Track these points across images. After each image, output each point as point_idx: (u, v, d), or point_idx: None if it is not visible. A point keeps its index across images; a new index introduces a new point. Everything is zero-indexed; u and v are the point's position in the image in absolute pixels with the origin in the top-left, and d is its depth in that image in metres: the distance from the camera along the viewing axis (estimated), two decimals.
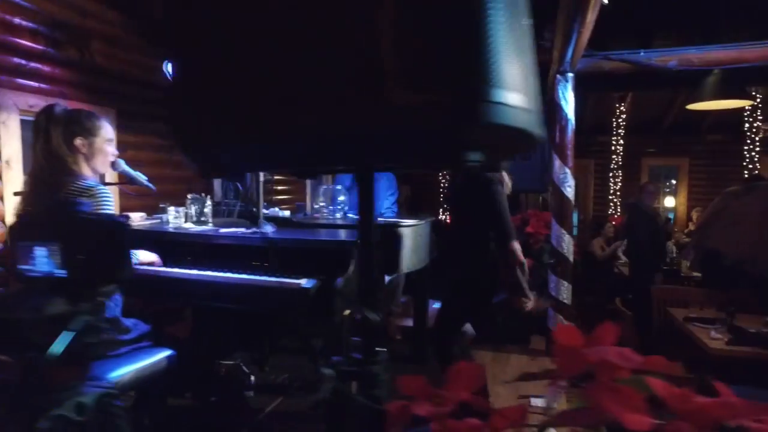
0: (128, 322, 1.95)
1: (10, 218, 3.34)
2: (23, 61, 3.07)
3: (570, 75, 3.59)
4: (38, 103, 3.16)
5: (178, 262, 2.29)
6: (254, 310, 2.38)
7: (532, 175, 4.97)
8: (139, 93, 3.85)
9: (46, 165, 1.84)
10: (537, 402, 3.01)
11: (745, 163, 7.06)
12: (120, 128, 3.74)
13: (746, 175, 7.10)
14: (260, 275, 2.10)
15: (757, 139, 6.87)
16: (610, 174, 7.90)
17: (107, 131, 1.99)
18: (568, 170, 3.67)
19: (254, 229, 2.44)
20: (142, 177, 2.23)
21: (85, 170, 1.92)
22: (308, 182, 6.43)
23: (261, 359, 3.19)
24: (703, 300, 4.01)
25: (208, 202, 2.88)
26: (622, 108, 7.51)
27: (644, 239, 4.95)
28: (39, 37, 3.15)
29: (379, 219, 3.34)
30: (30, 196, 1.87)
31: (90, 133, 1.92)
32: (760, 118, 6.79)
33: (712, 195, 7.01)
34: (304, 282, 2.02)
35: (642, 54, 3.43)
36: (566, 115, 3.66)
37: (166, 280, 2.19)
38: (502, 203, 2.65)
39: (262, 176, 3.10)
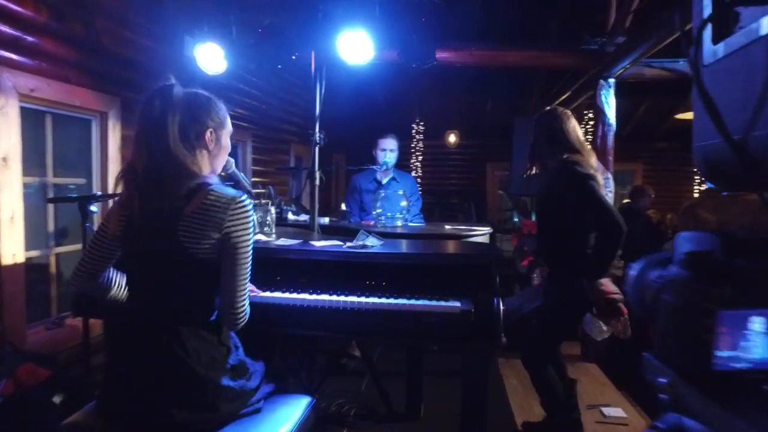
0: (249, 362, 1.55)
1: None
2: (22, 34, 2.46)
3: (612, 80, 3.58)
4: (40, 86, 2.55)
5: (284, 286, 1.90)
6: (395, 342, 2.05)
7: (536, 179, 4.97)
8: (145, 81, 3.28)
9: (155, 166, 1.33)
10: (608, 411, 2.95)
11: (696, 169, 7.68)
12: (125, 121, 3.17)
13: (697, 181, 7.72)
14: (400, 298, 1.79)
15: None
16: None
17: (229, 121, 1.56)
18: (610, 175, 3.66)
19: (359, 243, 2.10)
20: (246, 179, 1.82)
21: (206, 171, 1.45)
22: (292, 179, 6.00)
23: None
24: None
25: (272, 210, 2.48)
26: (590, 114, 7.84)
27: (640, 241, 5.13)
28: (40, 5, 2.54)
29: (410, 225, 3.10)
30: (138, 204, 1.38)
31: (221, 124, 1.48)
32: None
33: (665, 199, 7.57)
34: (460, 304, 1.75)
35: (681, 63, 3.52)
36: (608, 120, 3.65)
37: (278, 309, 1.80)
38: (602, 196, 2.30)
39: (318, 177, 2.73)
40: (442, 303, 1.76)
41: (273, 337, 2.24)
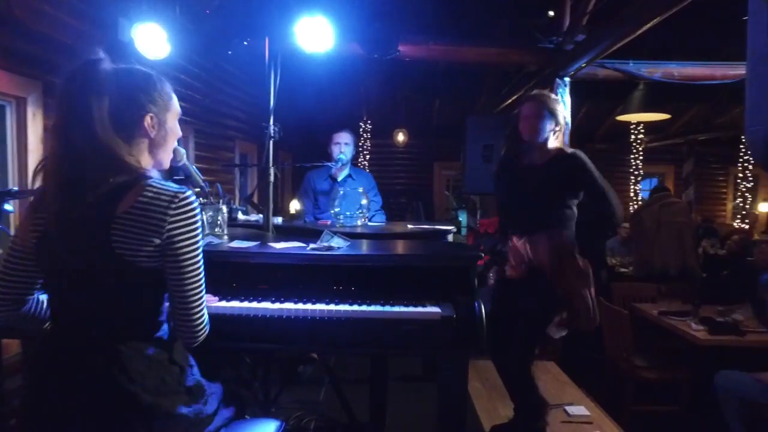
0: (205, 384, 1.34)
1: None
2: None
3: (567, 79, 3.61)
4: None
5: (241, 294, 1.69)
6: (372, 353, 1.88)
7: (490, 177, 4.96)
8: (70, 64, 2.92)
9: (78, 159, 1.10)
10: (572, 410, 2.95)
11: (631, 170, 8.06)
12: (47, 108, 2.81)
13: (632, 181, 8.10)
14: (374, 305, 1.64)
15: (640, 149, 7.87)
16: None
17: (176, 102, 1.34)
18: None
19: (324, 244, 1.92)
20: (199, 173, 1.59)
21: (147, 163, 1.23)
22: (239, 176, 5.67)
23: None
24: (655, 295, 4.38)
25: (224, 209, 2.25)
26: None
27: (588, 237, 5.26)
28: None
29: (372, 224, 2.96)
30: (56, 209, 1.13)
31: (164, 106, 1.24)
32: (643, 131, 7.77)
33: None
34: (440, 309, 1.62)
35: (631, 65, 3.60)
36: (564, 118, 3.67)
37: (236, 321, 1.59)
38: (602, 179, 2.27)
39: (272, 174, 2.53)
40: (420, 309, 1.63)
41: (226, 350, 2.02)
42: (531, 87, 4.65)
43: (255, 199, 3.64)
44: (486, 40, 3.93)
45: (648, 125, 7.36)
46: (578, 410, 2.89)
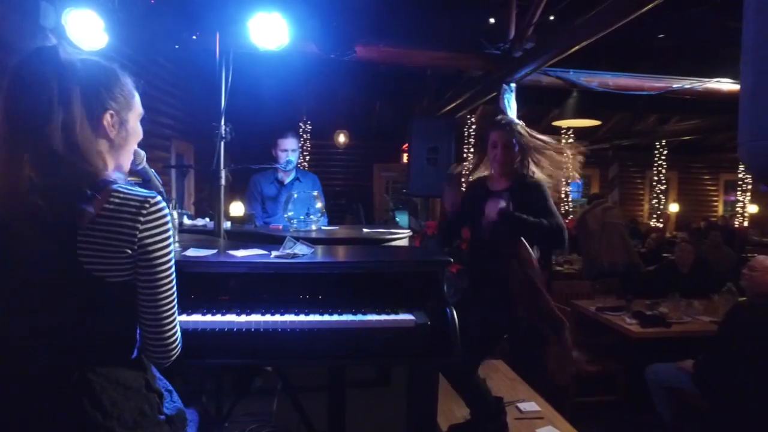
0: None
1: None
2: None
3: (513, 85, 3.73)
4: None
5: (202, 307, 1.57)
6: (344, 363, 1.81)
7: (436, 180, 5.03)
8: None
9: (46, 160, 0.97)
10: (524, 407, 3.04)
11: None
12: None
13: (564, 181, 8.52)
14: (345, 314, 1.58)
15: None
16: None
17: (139, 101, 1.23)
18: None
19: (287, 252, 1.84)
20: (158, 177, 1.46)
21: (111, 166, 1.10)
22: (174, 176, 5.35)
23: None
24: (590, 291, 4.64)
25: (175, 214, 2.10)
26: (472, 119, 8.25)
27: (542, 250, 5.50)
28: None
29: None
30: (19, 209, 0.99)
31: (126, 104, 1.12)
32: (572, 136, 8.21)
33: None
34: (413, 317, 1.60)
35: (571, 73, 3.78)
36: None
37: (199, 336, 1.47)
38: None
39: (223, 176, 2.42)
40: (394, 316, 1.60)
41: (193, 367, 1.89)
42: (478, 91, 4.77)
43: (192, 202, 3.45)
44: (438, 44, 3.98)
45: (577, 130, 7.80)
46: (530, 406, 2.98)
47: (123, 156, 1.16)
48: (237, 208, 3.57)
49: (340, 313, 1.59)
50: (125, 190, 1.02)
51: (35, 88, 0.98)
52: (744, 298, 3.22)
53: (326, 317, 1.57)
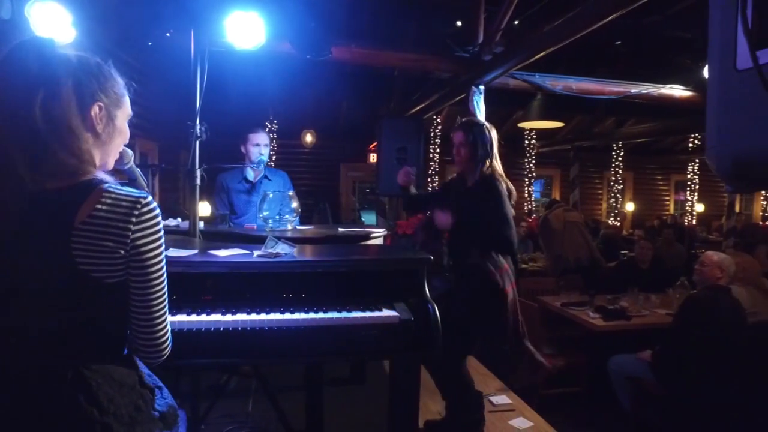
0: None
1: None
2: None
3: (482, 87, 3.83)
4: None
5: (187, 307, 1.56)
6: (330, 359, 1.82)
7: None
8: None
9: (34, 143, 0.96)
10: (496, 400, 3.13)
11: (525, 172, 8.74)
12: None
13: (526, 182, 8.78)
14: (330, 312, 1.61)
15: (533, 153, 8.58)
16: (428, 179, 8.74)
17: (128, 102, 1.20)
18: None
19: (269, 251, 1.85)
20: (144, 178, 1.45)
21: (96, 161, 1.08)
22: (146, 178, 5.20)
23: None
24: (555, 288, 4.81)
25: None
26: (438, 120, 8.38)
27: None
28: None
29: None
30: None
31: (116, 101, 1.11)
32: (535, 137, 8.47)
33: None
34: (397, 313, 1.65)
35: (537, 77, 3.92)
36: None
37: (185, 337, 1.46)
38: (508, 207, 2.38)
39: (198, 176, 2.40)
40: (378, 313, 1.63)
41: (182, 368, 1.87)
42: (446, 93, 4.86)
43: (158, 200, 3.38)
44: (408, 46, 4.04)
45: (539, 132, 8.04)
46: (501, 399, 3.08)
47: (108, 153, 1.15)
48: (204, 208, 3.51)
49: (325, 311, 1.61)
50: (116, 191, 1.02)
51: (20, 70, 0.97)
52: (695, 291, 3.41)
53: (312, 315, 1.59)
